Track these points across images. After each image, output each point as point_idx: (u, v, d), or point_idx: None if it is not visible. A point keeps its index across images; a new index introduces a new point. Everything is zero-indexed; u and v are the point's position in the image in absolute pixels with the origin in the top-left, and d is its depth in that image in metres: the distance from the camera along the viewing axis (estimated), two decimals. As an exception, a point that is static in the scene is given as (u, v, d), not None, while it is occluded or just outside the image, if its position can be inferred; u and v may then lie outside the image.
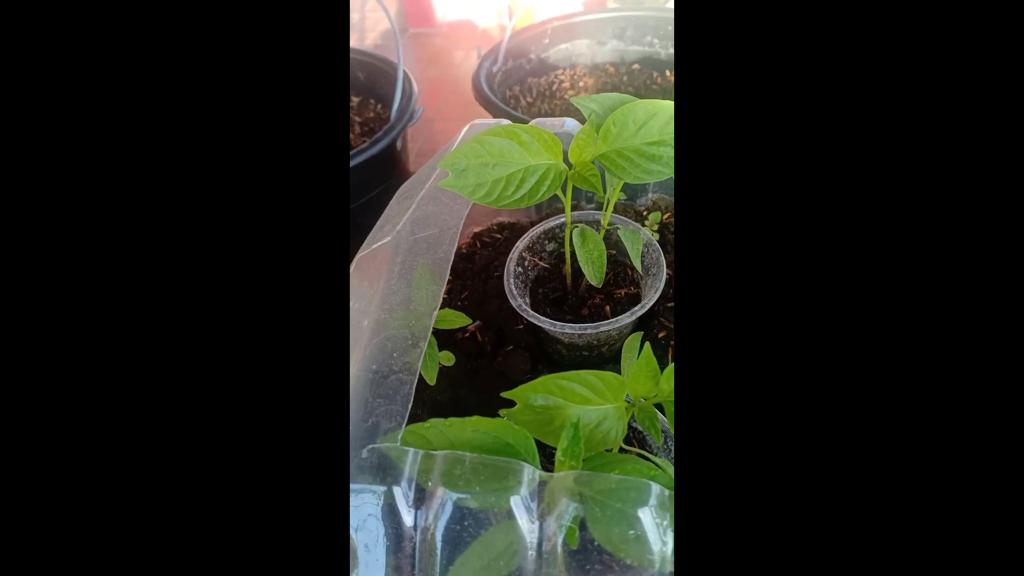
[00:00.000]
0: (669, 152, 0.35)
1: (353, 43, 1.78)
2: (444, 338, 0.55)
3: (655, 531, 0.24)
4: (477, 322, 0.56)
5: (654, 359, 0.29)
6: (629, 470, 0.26)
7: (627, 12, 0.95)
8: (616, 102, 0.36)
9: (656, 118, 0.35)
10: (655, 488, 0.25)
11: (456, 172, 0.35)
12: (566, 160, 0.38)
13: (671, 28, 0.93)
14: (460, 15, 1.79)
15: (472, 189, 0.35)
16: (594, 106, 0.37)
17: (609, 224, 0.46)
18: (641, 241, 0.42)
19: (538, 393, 0.28)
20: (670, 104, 0.36)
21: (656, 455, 0.39)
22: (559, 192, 0.41)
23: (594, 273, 0.40)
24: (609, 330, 0.45)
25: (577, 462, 0.26)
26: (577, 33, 0.96)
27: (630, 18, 0.95)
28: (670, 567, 0.24)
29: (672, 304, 0.51)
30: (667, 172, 0.36)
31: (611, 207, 0.44)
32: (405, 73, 0.80)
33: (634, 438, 0.41)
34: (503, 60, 0.89)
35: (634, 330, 0.52)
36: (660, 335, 0.49)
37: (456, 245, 0.35)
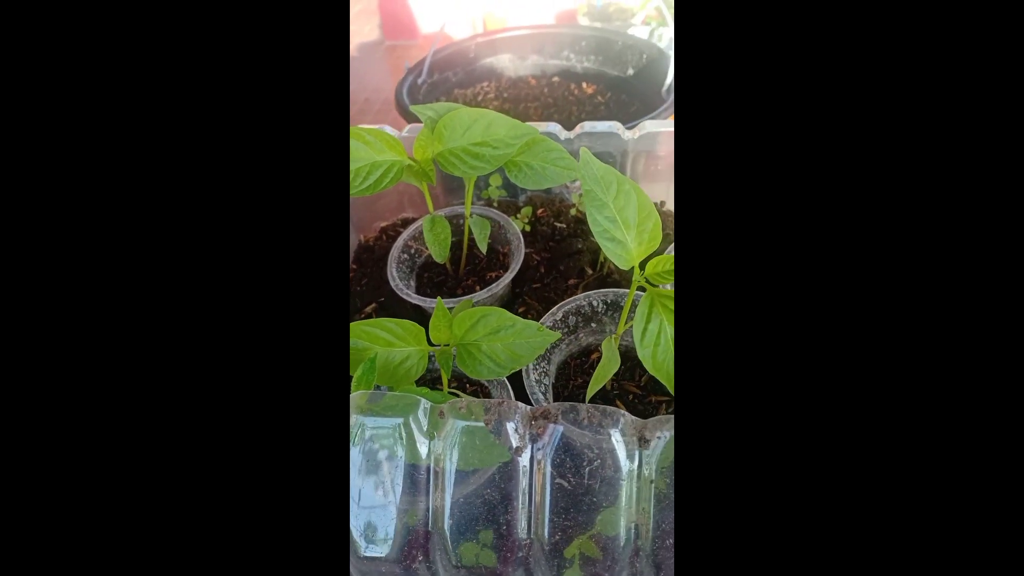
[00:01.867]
0: (490, 151, 0.43)
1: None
2: (344, 318, 0.62)
3: (419, 434, 0.32)
4: (373, 304, 0.64)
5: (448, 313, 0.36)
6: (408, 390, 0.33)
7: (545, 30, 1.03)
8: (447, 109, 0.44)
9: (477, 123, 0.43)
10: (422, 402, 0.32)
11: (313, 167, 0.42)
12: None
13: (584, 44, 1.02)
14: (437, 28, 1.87)
15: (327, 181, 0.42)
16: (430, 112, 0.44)
17: (473, 214, 0.54)
18: (488, 227, 0.50)
19: (350, 338, 0.36)
20: (489, 111, 0.43)
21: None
22: (419, 186, 0.49)
23: (438, 252, 0.47)
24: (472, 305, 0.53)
25: (369, 387, 0.33)
26: (500, 48, 1.04)
27: (548, 35, 1.03)
28: (428, 462, 0.32)
29: (537, 285, 0.59)
30: (488, 168, 0.43)
31: (469, 199, 0.52)
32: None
33: (481, 392, 0.49)
34: (428, 73, 0.97)
35: (503, 307, 0.59)
36: (520, 309, 0.56)
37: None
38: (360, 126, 0.44)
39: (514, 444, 0.31)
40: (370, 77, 1.79)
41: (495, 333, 0.36)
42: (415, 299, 0.53)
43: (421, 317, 0.64)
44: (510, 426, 0.31)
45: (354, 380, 0.33)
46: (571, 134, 0.55)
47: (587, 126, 0.55)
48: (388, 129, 0.59)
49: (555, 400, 0.46)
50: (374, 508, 0.32)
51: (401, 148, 0.44)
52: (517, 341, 0.36)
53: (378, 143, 0.43)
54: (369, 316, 0.62)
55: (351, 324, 0.36)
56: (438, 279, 0.60)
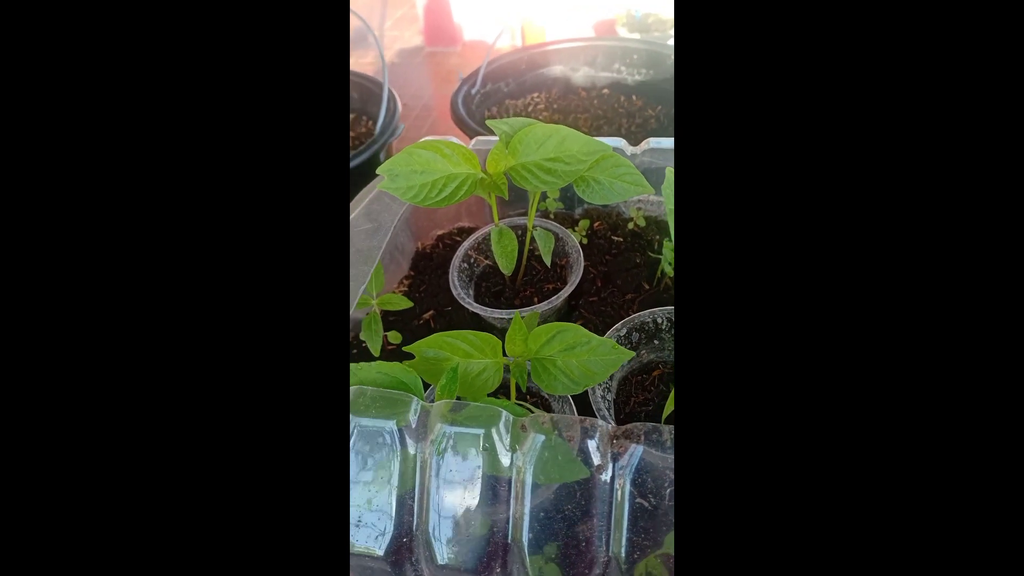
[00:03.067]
0: (562, 167, 0.44)
1: (371, 61, 1.89)
2: (401, 324, 0.63)
3: (502, 446, 0.32)
4: (431, 311, 0.65)
5: (524, 326, 0.37)
6: (490, 402, 0.34)
7: (597, 42, 1.04)
8: (522, 124, 0.45)
9: (551, 138, 0.44)
10: (504, 414, 0.33)
11: (391, 176, 0.43)
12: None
13: (636, 57, 1.02)
14: (475, 35, 1.89)
15: (404, 191, 0.44)
16: (505, 127, 0.45)
17: (536, 226, 0.54)
18: (552, 240, 0.51)
19: (430, 347, 0.36)
20: (563, 127, 0.44)
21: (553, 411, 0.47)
22: (487, 198, 0.50)
23: (505, 264, 0.48)
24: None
25: (452, 396, 0.34)
26: (552, 60, 1.05)
27: (600, 47, 1.04)
28: (508, 474, 0.32)
29: (594, 299, 0.59)
30: (560, 183, 0.44)
31: (533, 212, 0.53)
32: (390, 92, 0.90)
33: (542, 405, 0.49)
34: (482, 83, 0.98)
35: (559, 320, 0.60)
36: (578, 323, 0.57)
37: (389, 236, 0.43)
38: (436, 138, 0.45)
39: (596, 462, 0.31)
40: (409, 83, 1.82)
41: (570, 349, 0.36)
42: (476, 308, 0.54)
43: (478, 325, 0.65)
44: (591, 443, 0.31)
45: (438, 389, 0.34)
46: (637, 149, 0.56)
47: (652, 142, 0.55)
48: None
49: (616, 417, 0.46)
50: (453, 517, 0.33)
51: (476, 161, 0.45)
52: (592, 358, 0.36)
53: (455, 156, 0.44)
54: (427, 323, 0.63)
55: (435, 335, 0.37)
56: (496, 289, 0.61)
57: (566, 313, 0.60)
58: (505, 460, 0.32)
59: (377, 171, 0.44)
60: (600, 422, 0.31)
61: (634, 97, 1.03)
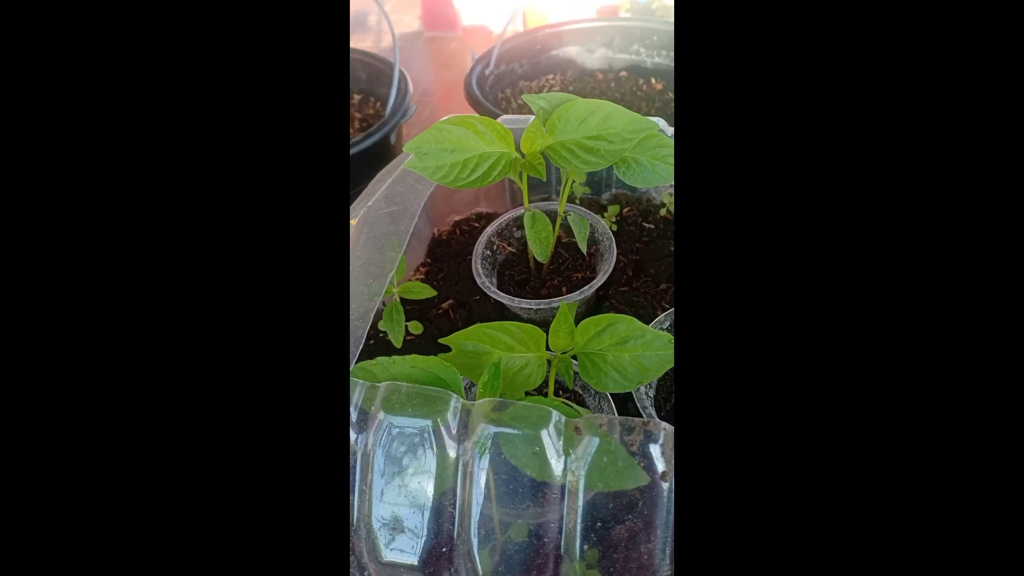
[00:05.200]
0: (605, 146, 0.41)
1: (370, 45, 1.85)
2: (419, 313, 0.60)
3: (552, 449, 0.29)
4: (450, 300, 0.62)
5: (570, 318, 0.34)
6: (537, 400, 0.31)
7: (615, 22, 1.00)
8: (561, 100, 0.42)
9: (594, 115, 0.40)
10: (555, 415, 0.30)
11: (419, 155, 0.40)
12: (520, 151, 0.43)
13: (656, 38, 0.99)
14: (477, 20, 1.85)
15: (432, 170, 0.40)
16: (542, 103, 0.42)
17: (569, 212, 0.51)
18: (587, 226, 0.48)
19: (469, 340, 0.33)
20: (606, 103, 0.41)
21: (592, 411, 0.44)
22: (516, 179, 0.46)
23: (540, 251, 0.45)
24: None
25: (495, 394, 0.31)
26: (567, 40, 1.01)
27: (618, 28, 1.00)
28: (560, 480, 0.29)
29: (625, 288, 0.56)
30: (603, 163, 0.41)
31: (565, 196, 0.49)
32: (401, 72, 0.86)
33: (576, 400, 0.47)
34: (495, 64, 0.94)
35: (587, 311, 0.57)
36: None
37: (416, 220, 0.40)
38: (471, 115, 0.41)
39: (659, 468, 0.28)
40: (409, 68, 1.78)
41: (623, 343, 0.33)
42: (503, 298, 0.51)
43: (500, 315, 0.62)
44: (655, 448, 0.28)
45: (480, 385, 0.31)
46: (677, 131, 0.52)
47: (694, 123, 0.52)
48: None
49: (657, 415, 0.43)
50: (498, 525, 0.30)
51: (510, 140, 0.41)
52: (646, 353, 0.33)
53: (489, 133, 0.40)
54: (446, 312, 0.60)
55: (474, 326, 0.34)
56: (519, 277, 0.58)
57: (595, 304, 0.57)
58: (557, 465, 0.29)
59: (404, 148, 0.41)
60: (665, 424, 0.28)
61: (653, 80, 0.99)
